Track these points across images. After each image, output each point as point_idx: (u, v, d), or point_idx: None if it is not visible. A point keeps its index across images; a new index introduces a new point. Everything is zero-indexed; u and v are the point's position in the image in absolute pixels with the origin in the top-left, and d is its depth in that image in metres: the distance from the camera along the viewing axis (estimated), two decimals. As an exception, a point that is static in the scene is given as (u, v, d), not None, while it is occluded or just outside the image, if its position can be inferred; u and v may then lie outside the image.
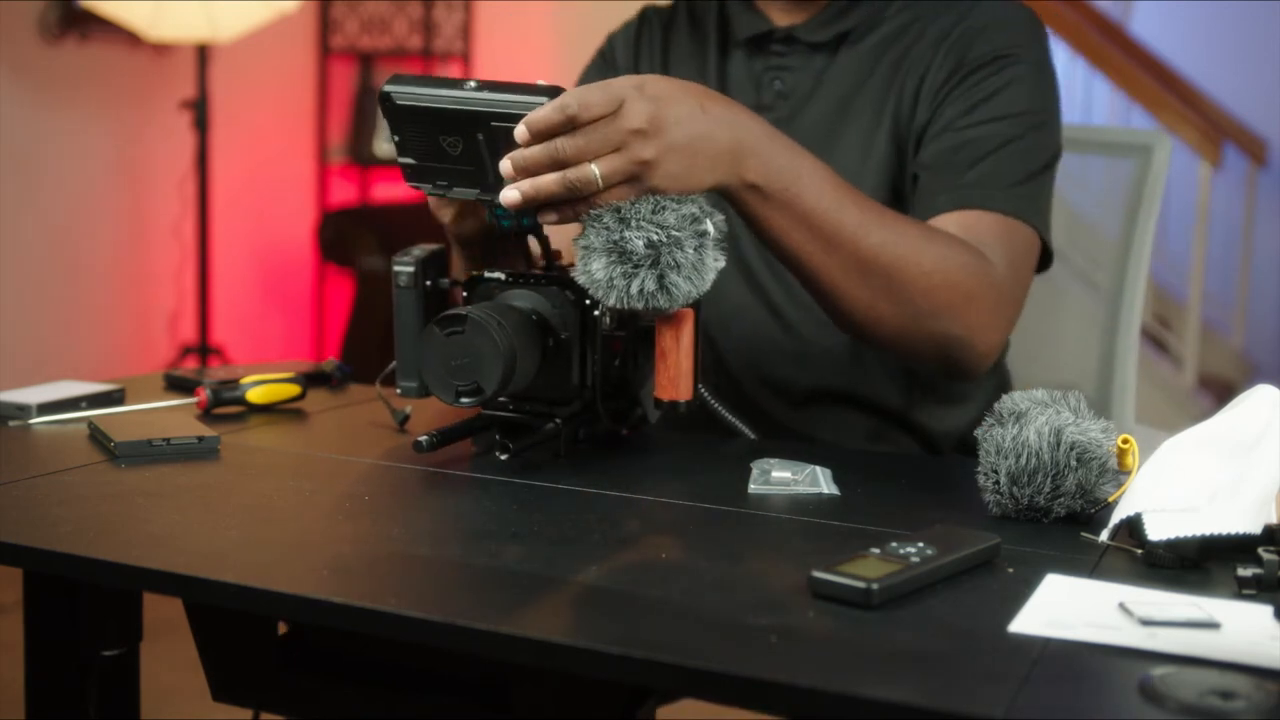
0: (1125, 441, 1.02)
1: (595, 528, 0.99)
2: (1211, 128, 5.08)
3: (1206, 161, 4.98)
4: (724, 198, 1.16)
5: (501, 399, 1.16)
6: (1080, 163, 1.72)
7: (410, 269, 1.23)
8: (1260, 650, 0.75)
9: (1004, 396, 1.06)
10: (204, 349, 3.72)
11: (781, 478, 1.10)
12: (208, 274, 3.72)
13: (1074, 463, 1.00)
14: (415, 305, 1.23)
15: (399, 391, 1.25)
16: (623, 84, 1.07)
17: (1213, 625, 0.79)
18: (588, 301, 1.16)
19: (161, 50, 3.90)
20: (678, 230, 1.06)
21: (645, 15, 1.58)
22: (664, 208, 1.06)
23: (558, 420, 1.17)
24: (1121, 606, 0.82)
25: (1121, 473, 1.02)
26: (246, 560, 0.91)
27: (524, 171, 1.06)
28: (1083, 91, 5.38)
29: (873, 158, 1.41)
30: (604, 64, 1.58)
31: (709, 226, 1.07)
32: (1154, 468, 0.96)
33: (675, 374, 1.13)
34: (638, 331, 1.20)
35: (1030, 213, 1.34)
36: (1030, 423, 1.02)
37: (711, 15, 1.52)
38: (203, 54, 3.64)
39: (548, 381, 1.17)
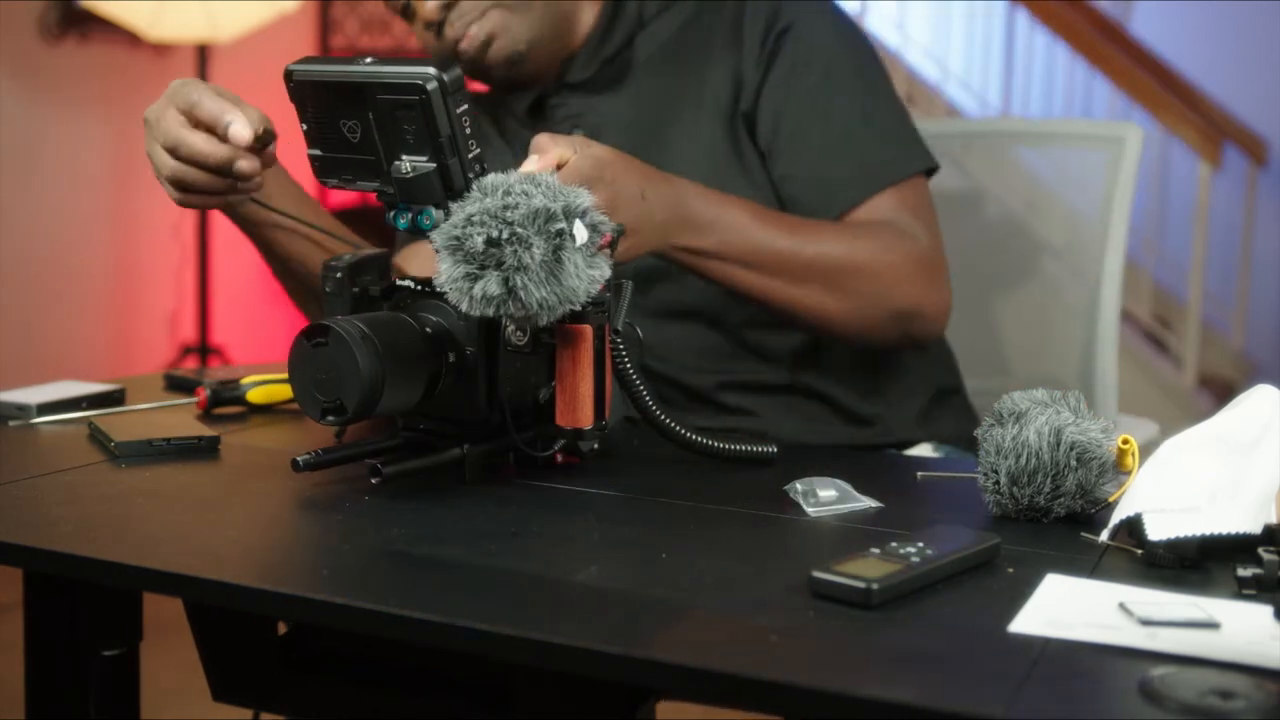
0: (1125, 442, 1.02)
1: (595, 528, 0.99)
2: (1211, 128, 5.08)
3: (1206, 161, 4.98)
4: (663, 259, 1.25)
5: (411, 417, 1.10)
6: (1064, 156, 1.82)
7: (338, 275, 1.16)
8: (1260, 650, 0.75)
9: (1004, 396, 1.06)
10: (204, 349, 3.72)
11: (829, 496, 1.05)
12: (208, 274, 3.72)
13: (1074, 463, 1.00)
14: (344, 312, 1.15)
15: None
16: (586, 162, 1.10)
17: (1213, 625, 0.79)
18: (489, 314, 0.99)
19: (161, 50, 3.89)
20: (523, 227, 0.94)
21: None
22: (515, 204, 0.94)
23: (465, 446, 1.07)
24: (1121, 606, 0.82)
25: (1121, 473, 1.02)
26: (246, 560, 0.91)
27: None
28: (1083, 91, 5.38)
29: (700, 146, 1.43)
30: None
31: (569, 227, 0.95)
32: (1154, 468, 0.96)
33: (572, 399, 1.01)
34: (546, 348, 1.06)
35: (904, 159, 1.41)
36: (1030, 423, 1.01)
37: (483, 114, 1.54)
38: (203, 54, 3.64)
39: (453, 401, 1.08)
